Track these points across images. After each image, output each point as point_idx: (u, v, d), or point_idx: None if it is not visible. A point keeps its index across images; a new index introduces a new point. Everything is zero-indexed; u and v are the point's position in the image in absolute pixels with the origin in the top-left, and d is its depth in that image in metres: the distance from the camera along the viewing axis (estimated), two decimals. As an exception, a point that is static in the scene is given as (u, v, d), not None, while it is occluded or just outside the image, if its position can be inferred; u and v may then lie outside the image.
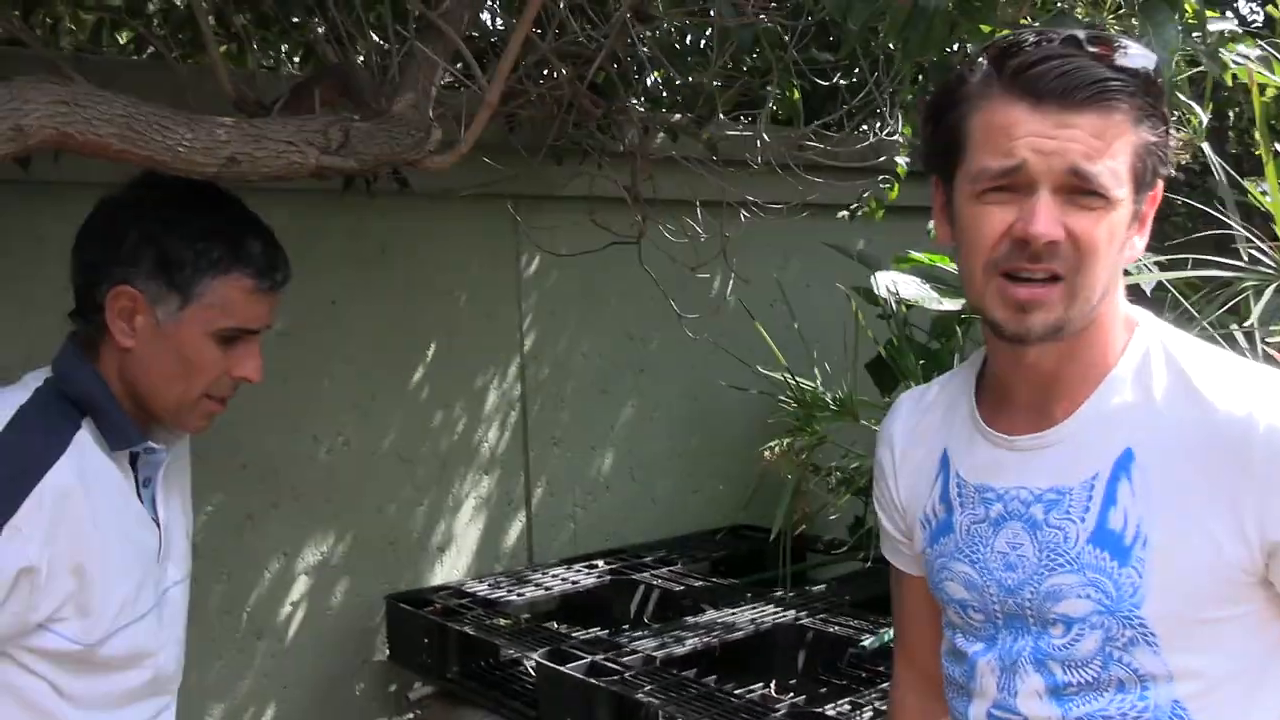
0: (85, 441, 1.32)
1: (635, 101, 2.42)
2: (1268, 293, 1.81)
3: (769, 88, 2.45)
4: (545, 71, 2.32)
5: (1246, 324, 1.84)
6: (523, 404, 3.02)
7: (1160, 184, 1.09)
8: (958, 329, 2.69)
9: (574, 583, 2.78)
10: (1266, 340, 1.82)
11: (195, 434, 1.47)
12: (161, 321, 1.34)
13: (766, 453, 2.78)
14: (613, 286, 3.14)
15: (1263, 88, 1.97)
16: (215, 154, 1.43)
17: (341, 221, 2.66)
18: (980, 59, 1.08)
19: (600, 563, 2.93)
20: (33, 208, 2.26)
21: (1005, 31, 1.45)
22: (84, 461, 1.31)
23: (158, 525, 1.43)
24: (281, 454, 2.60)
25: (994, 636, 1.16)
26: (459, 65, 1.82)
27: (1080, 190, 1.02)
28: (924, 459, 1.24)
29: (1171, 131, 1.06)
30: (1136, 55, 1.04)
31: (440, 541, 2.87)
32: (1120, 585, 1.06)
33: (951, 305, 2.59)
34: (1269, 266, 1.91)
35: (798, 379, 2.83)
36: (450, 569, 2.89)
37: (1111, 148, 1.01)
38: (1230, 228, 1.98)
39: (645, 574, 2.83)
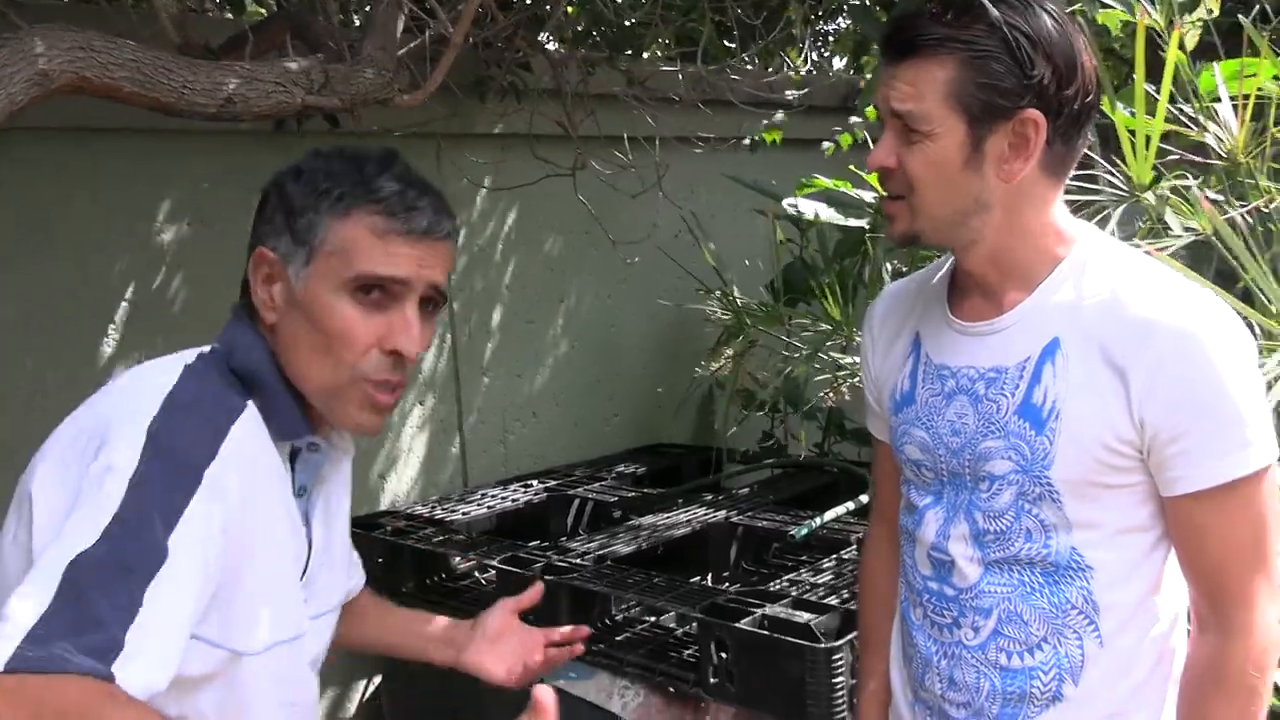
0: (253, 416, 1.14)
1: (559, 41, 2.55)
2: (1117, 212, 2.06)
3: (697, 27, 2.62)
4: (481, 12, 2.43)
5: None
6: (453, 334, 3.16)
7: (1028, 112, 1.23)
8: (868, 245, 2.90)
9: (513, 500, 2.95)
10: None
11: (361, 434, 1.23)
12: (294, 284, 1.16)
13: (703, 361, 2.98)
14: (534, 220, 3.28)
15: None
16: (214, 95, 1.54)
17: (274, 162, 2.72)
18: None
19: (534, 482, 3.10)
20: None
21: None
22: (255, 431, 1.13)
23: (309, 542, 1.24)
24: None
25: (940, 491, 1.39)
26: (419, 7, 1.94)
27: (905, 127, 1.25)
28: (898, 339, 1.46)
29: (1034, 68, 1.22)
30: (965, 13, 1.22)
31: (382, 468, 3.01)
32: (1034, 450, 1.28)
33: (856, 223, 2.82)
34: (1120, 187, 2.14)
35: (733, 290, 3.03)
36: (392, 494, 3.03)
37: (921, 92, 1.23)
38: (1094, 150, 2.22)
39: (579, 489, 3.01)
